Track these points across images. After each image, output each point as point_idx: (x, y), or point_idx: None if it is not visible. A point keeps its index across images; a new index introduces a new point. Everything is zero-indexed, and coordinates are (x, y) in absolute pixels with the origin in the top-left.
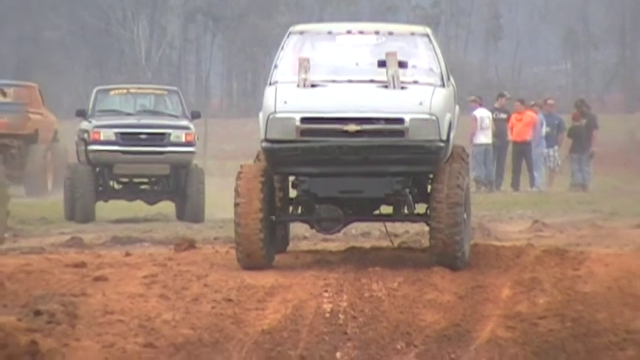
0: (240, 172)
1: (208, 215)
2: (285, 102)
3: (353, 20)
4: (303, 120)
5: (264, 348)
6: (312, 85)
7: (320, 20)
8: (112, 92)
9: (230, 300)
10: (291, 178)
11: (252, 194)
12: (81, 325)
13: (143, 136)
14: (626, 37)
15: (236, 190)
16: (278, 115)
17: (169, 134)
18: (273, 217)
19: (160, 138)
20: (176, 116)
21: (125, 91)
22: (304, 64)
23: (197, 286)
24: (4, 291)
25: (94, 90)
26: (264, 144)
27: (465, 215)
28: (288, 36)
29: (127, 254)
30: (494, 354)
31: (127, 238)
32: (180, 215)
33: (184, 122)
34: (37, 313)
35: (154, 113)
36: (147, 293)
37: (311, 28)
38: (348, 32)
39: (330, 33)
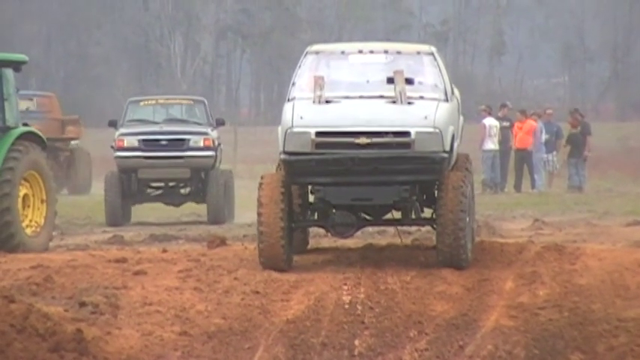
0: (261, 182)
1: (238, 215)
2: (302, 117)
3: (369, 37)
4: (318, 134)
5: (289, 336)
6: (327, 101)
7: (339, 37)
8: (142, 103)
9: (258, 292)
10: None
11: (273, 203)
12: (122, 315)
13: (164, 142)
14: (619, 52)
15: (259, 199)
16: (295, 130)
17: (188, 140)
18: (293, 224)
19: (179, 144)
20: (200, 124)
21: (154, 101)
22: (319, 82)
23: (228, 280)
24: (53, 284)
25: (127, 101)
26: (283, 156)
27: (468, 219)
28: (305, 55)
29: (164, 251)
30: (498, 341)
31: (163, 236)
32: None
33: (204, 129)
34: (82, 304)
35: (179, 121)
36: (182, 286)
37: (326, 49)
38: (360, 52)
39: (343, 53)
